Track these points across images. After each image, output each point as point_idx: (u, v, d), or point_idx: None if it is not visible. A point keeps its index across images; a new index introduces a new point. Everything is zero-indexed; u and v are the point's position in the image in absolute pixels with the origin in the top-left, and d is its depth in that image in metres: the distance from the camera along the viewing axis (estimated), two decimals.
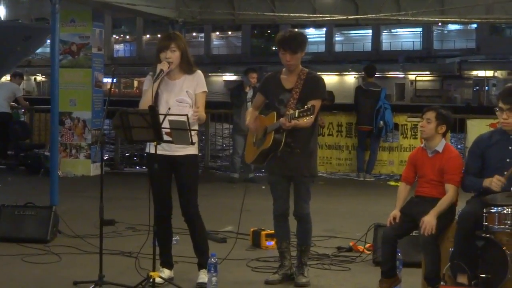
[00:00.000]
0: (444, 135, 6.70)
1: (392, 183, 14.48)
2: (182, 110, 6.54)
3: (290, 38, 6.90)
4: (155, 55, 6.84)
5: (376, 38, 65.98)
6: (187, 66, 6.77)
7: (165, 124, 6.30)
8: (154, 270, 6.41)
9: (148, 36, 77.19)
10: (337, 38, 69.02)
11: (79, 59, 15.06)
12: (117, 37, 78.06)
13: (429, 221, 6.31)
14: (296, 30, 7.25)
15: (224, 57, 69.99)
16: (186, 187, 6.78)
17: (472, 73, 58.96)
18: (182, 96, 6.70)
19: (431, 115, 6.65)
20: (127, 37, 79.45)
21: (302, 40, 6.96)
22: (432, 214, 6.35)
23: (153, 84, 6.65)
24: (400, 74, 61.79)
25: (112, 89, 58.41)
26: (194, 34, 69.37)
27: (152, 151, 6.54)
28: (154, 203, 6.78)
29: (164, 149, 6.60)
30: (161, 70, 6.62)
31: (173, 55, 6.69)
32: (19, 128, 16.50)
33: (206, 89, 6.87)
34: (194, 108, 6.70)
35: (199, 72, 6.85)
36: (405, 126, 14.96)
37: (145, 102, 6.65)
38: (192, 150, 6.73)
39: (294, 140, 6.83)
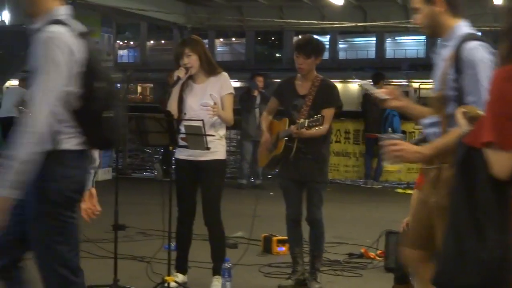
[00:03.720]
0: None
1: (399, 190, 14.51)
2: (207, 114, 6.54)
3: (305, 42, 6.94)
4: (174, 63, 6.84)
5: (380, 45, 65.96)
6: (209, 67, 6.70)
7: (182, 129, 6.32)
8: (169, 275, 6.44)
9: (152, 42, 77.26)
10: (341, 46, 68.99)
11: None
12: (121, 43, 78.10)
13: None
14: (314, 37, 7.27)
15: (228, 64, 69.75)
16: (210, 192, 6.76)
17: None
18: (206, 100, 6.66)
19: None
20: (131, 42, 79.48)
21: (317, 46, 6.98)
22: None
23: (172, 90, 6.68)
24: (403, 82, 61.73)
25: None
26: None
27: (180, 156, 6.59)
28: (178, 208, 6.80)
29: (189, 155, 6.60)
30: (178, 77, 6.63)
31: (190, 60, 6.66)
32: None
33: (232, 91, 6.80)
34: (211, 103, 6.63)
35: (225, 74, 6.79)
36: (413, 134, 14.97)
37: (169, 108, 6.68)
38: (218, 155, 6.70)
39: (306, 146, 6.85)
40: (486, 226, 3.01)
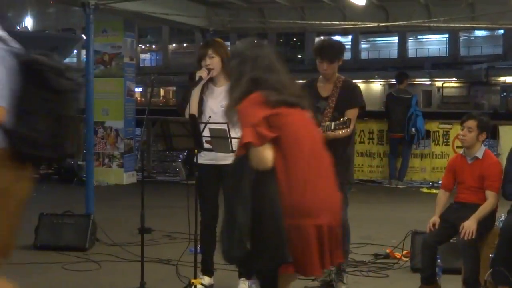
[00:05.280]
0: (483, 142, 6.71)
1: (424, 190, 14.47)
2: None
3: (327, 47, 6.92)
4: (196, 65, 6.85)
5: (402, 45, 65.84)
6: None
7: (206, 132, 6.33)
8: (195, 277, 6.47)
9: (174, 45, 77.51)
10: (363, 46, 68.97)
11: (111, 68, 15.17)
12: (143, 47, 78.38)
13: (469, 226, 6.31)
14: (334, 39, 7.27)
15: None
16: None
17: (499, 79, 58.68)
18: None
19: (472, 123, 6.63)
20: (153, 46, 79.81)
21: (339, 49, 6.98)
22: (473, 219, 6.36)
23: (193, 90, 6.69)
24: (426, 81, 61.65)
25: (139, 98, 57.98)
26: None
27: (201, 161, 6.60)
28: (201, 212, 6.80)
29: (211, 159, 6.62)
30: (200, 77, 6.64)
31: (212, 62, 6.67)
32: None
33: None
34: None
35: None
36: (437, 133, 14.91)
37: (189, 110, 6.69)
38: None
39: (330, 148, 6.83)
40: (238, 212, 4.05)
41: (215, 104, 6.69)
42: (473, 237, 6.30)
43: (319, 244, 4.14)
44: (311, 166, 4.31)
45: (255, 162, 4.10)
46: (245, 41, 4.61)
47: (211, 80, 6.74)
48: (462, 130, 6.73)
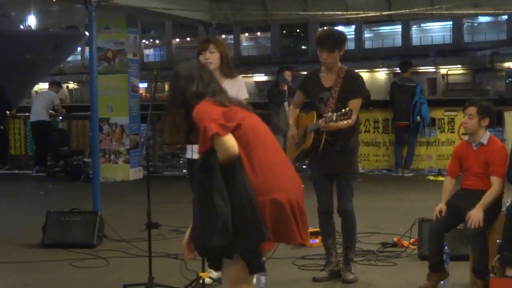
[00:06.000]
0: (487, 127, 6.69)
1: (431, 177, 14.47)
2: None
3: (327, 36, 6.92)
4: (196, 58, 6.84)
5: (406, 33, 65.68)
6: (228, 69, 6.76)
7: None
8: (203, 271, 6.47)
9: (177, 40, 77.45)
10: (366, 35, 68.82)
11: (115, 65, 15.16)
12: (146, 42, 78.33)
13: (475, 215, 6.30)
14: (335, 29, 7.26)
15: (254, 58, 69.98)
16: None
17: (504, 65, 58.48)
18: None
19: (472, 110, 6.62)
20: (157, 41, 79.78)
21: (339, 38, 6.96)
22: (479, 207, 6.34)
23: None
24: (431, 69, 61.48)
25: (144, 94, 58.08)
26: (223, 36, 69.50)
27: (193, 156, 6.59)
28: None
29: None
30: None
31: (212, 56, 6.69)
32: (58, 136, 16.75)
33: (247, 96, 6.85)
34: None
35: (240, 78, 6.86)
36: (442, 120, 14.90)
37: None
38: None
39: (334, 138, 6.85)
40: (217, 202, 4.20)
41: None
42: (481, 225, 6.30)
43: (293, 214, 4.40)
44: (273, 151, 4.55)
45: (223, 151, 4.26)
46: (185, 63, 4.96)
47: None
48: (464, 117, 6.73)
